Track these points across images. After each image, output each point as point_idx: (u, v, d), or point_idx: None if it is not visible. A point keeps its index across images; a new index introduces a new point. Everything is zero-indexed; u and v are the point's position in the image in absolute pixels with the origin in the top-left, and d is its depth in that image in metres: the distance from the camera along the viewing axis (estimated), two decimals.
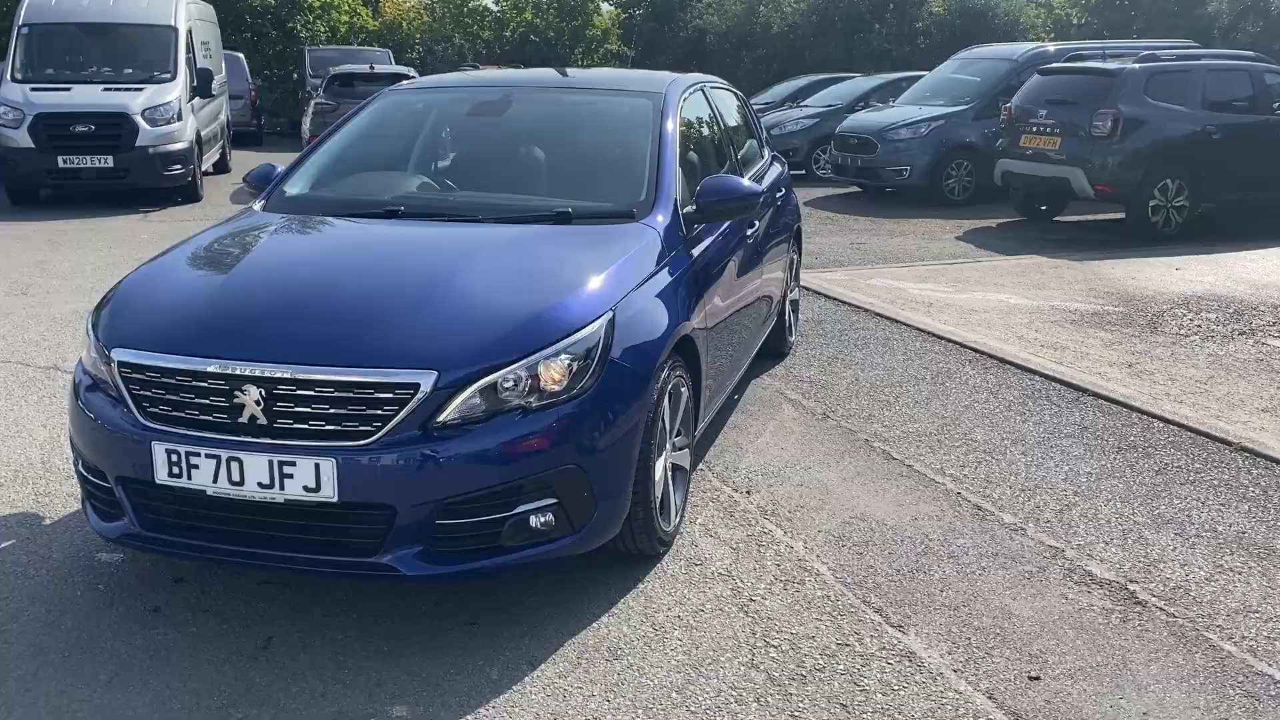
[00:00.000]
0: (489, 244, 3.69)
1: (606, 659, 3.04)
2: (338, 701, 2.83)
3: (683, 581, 3.50)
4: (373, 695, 2.86)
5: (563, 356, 3.10)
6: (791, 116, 16.55)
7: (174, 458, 3.02)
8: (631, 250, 3.65)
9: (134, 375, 3.13)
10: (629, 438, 3.24)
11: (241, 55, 22.23)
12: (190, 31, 14.08)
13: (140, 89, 12.75)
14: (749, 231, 4.76)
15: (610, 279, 3.42)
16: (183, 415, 3.06)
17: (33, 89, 12.55)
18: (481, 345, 3.05)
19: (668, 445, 3.64)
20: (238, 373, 2.99)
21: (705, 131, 4.93)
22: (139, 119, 12.35)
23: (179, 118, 12.81)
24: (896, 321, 7.11)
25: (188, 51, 13.73)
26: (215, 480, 2.99)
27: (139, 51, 13.35)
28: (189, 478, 3.02)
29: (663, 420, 3.50)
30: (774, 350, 6.11)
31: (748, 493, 4.25)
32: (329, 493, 2.93)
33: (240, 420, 2.99)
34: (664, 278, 3.66)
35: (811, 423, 5.09)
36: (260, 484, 2.96)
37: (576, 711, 2.80)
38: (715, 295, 4.19)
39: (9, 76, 12.87)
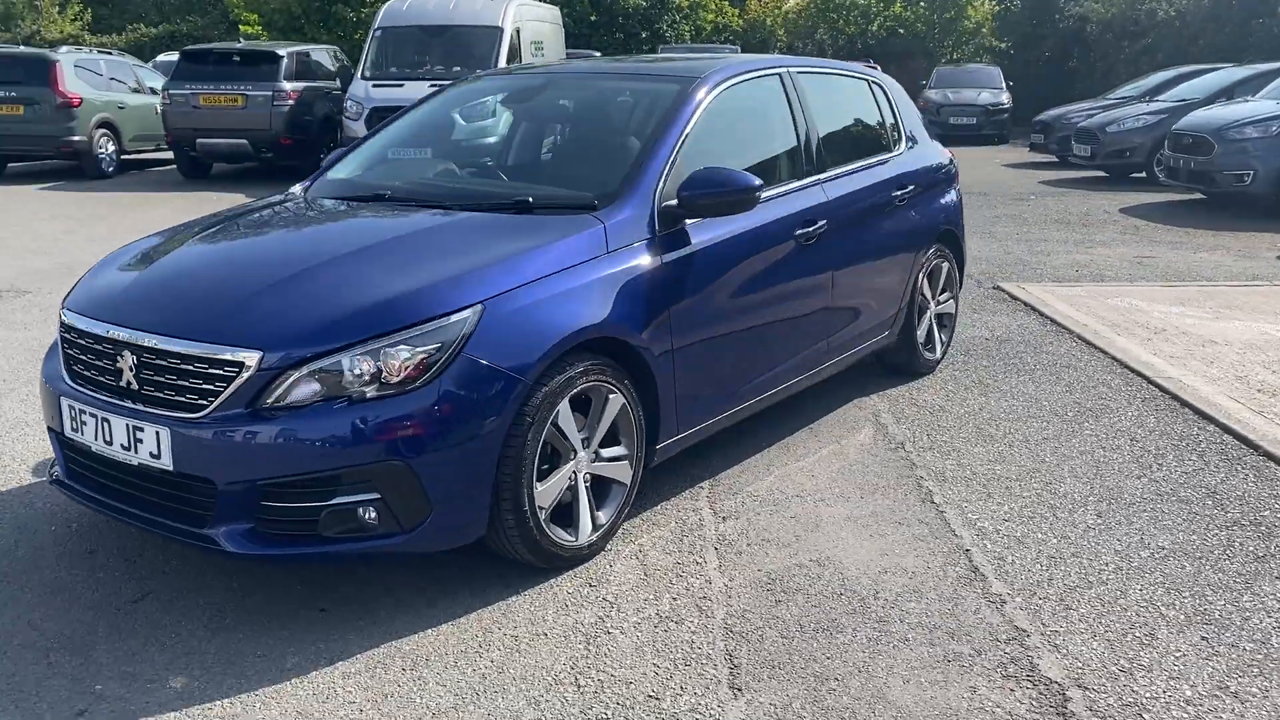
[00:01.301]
0: (415, 230, 3.63)
1: (403, 668, 2.90)
2: (136, 663, 2.93)
3: (555, 601, 3.25)
4: (172, 663, 2.92)
5: (402, 347, 2.99)
6: (1132, 113, 14.77)
7: (73, 413, 3.27)
8: (552, 243, 3.43)
9: (66, 335, 3.42)
10: (482, 441, 3.06)
11: (598, 54, 23.39)
12: (517, 32, 15.05)
13: None
14: (803, 231, 4.30)
15: (498, 271, 3.23)
16: (86, 375, 3.29)
17: (374, 85, 14.04)
18: (313, 329, 3.01)
19: (580, 454, 3.39)
20: (116, 338, 3.18)
21: (757, 121, 4.51)
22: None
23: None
24: (1094, 347, 6.14)
25: (511, 50, 14.69)
26: (96, 438, 3.20)
27: (469, 51, 14.49)
28: (81, 433, 3.25)
29: (558, 428, 3.27)
30: (904, 368, 5.50)
31: (724, 518, 3.86)
32: (167, 461, 3.03)
33: (119, 384, 3.17)
34: (586, 276, 3.40)
35: (877, 451, 4.52)
36: (122, 445, 3.13)
37: (328, 714, 2.69)
38: (709, 300, 3.84)
39: (359, 74, 14.50)
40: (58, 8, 30.98)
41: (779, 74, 4.61)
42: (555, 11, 18.14)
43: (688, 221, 3.81)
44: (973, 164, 17.74)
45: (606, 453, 3.52)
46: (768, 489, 4.12)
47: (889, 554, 3.57)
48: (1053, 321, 6.77)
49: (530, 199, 3.73)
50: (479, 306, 3.11)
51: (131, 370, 3.13)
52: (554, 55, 17.43)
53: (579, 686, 2.80)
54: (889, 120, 5.35)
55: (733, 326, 4.01)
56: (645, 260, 3.60)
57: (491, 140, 4.59)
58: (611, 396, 3.46)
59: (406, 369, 2.98)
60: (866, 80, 5.34)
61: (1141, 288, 7.93)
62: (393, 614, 3.17)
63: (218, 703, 2.74)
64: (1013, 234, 10.49)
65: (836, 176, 4.67)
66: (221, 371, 2.98)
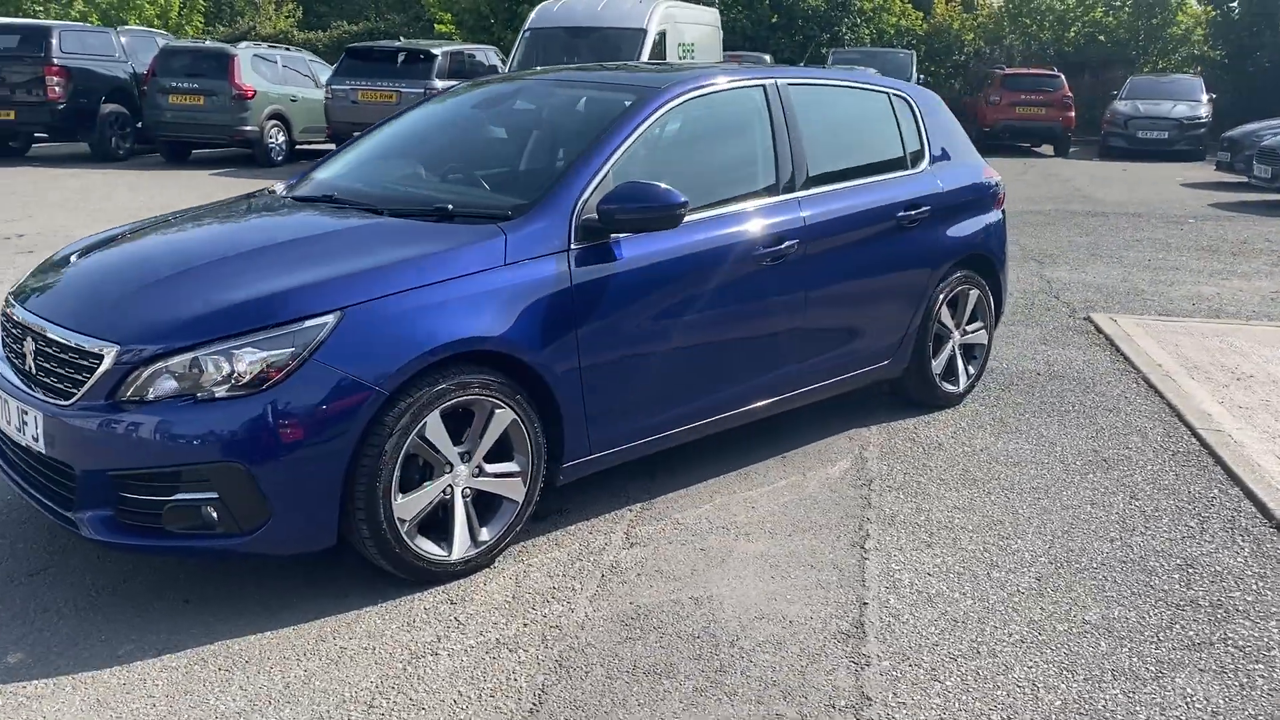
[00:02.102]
0: (319, 233, 3.67)
1: (220, 667, 2.93)
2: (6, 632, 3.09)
3: (404, 616, 3.22)
4: (23, 639, 3.06)
5: (249, 349, 3.02)
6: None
7: (1, 396, 3.48)
8: (440, 253, 3.39)
9: (4, 321, 3.64)
10: (328, 450, 3.05)
11: (768, 57, 23.13)
12: (663, 34, 15.08)
13: None
14: (767, 251, 4.10)
15: (368, 278, 3.22)
16: (10, 358, 3.50)
17: None
18: (169, 326, 3.08)
19: (459, 469, 3.35)
20: (26, 323, 3.36)
21: (722, 136, 4.33)
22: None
23: None
24: (1154, 390, 5.60)
25: (655, 52, 14.72)
26: (7, 421, 3.39)
27: (612, 52, 14.61)
28: (3, 415, 3.45)
29: (426, 441, 3.23)
30: (919, 400, 5.18)
31: (631, 545, 3.73)
32: (42, 445, 3.18)
33: (24, 368, 3.35)
34: (474, 287, 3.35)
35: (839, 487, 4.27)
36: (16, 427, 3.30)
37: (122, 706, 2.76)
38: (635, 319, 3.72)
39: (506, 73, 14.84)
40: (274, 5, 33.16)
41: (762, 86, 4.40)
42: (713, 14, 18.07)
43: (621, 237, 3.70)
44: (1146, 182, 16.57)
45: (494, 468, 3.46)
46: (697, 518, 3.95)
47: (778, 599, 3.36)
48: (1126, 359, 6.22)
49: (450, 206, 3.70)
50: (338, 313, 3.11)
51: (31, 356, 3.30)
52: (708, 58, 17.36)
53: (370, 707, 2.76)
54: (908, 137, 5.02)
55: (665, 347, 3.86)
56: (550, 274, 3.51)
57: (440, 150, 4.57)
58: (498, 411, 3.39)
59: (254, 372, 3.01)
60: (887, 94, 5.04)
61: (1255, 328, 7.18)
62: (246, 611, 3.22)
63: (33, 683, 2.85)
64: (1144, 260, 9.72)
65: (820, 195, 4.42)
66: (87, 363, 3.10)
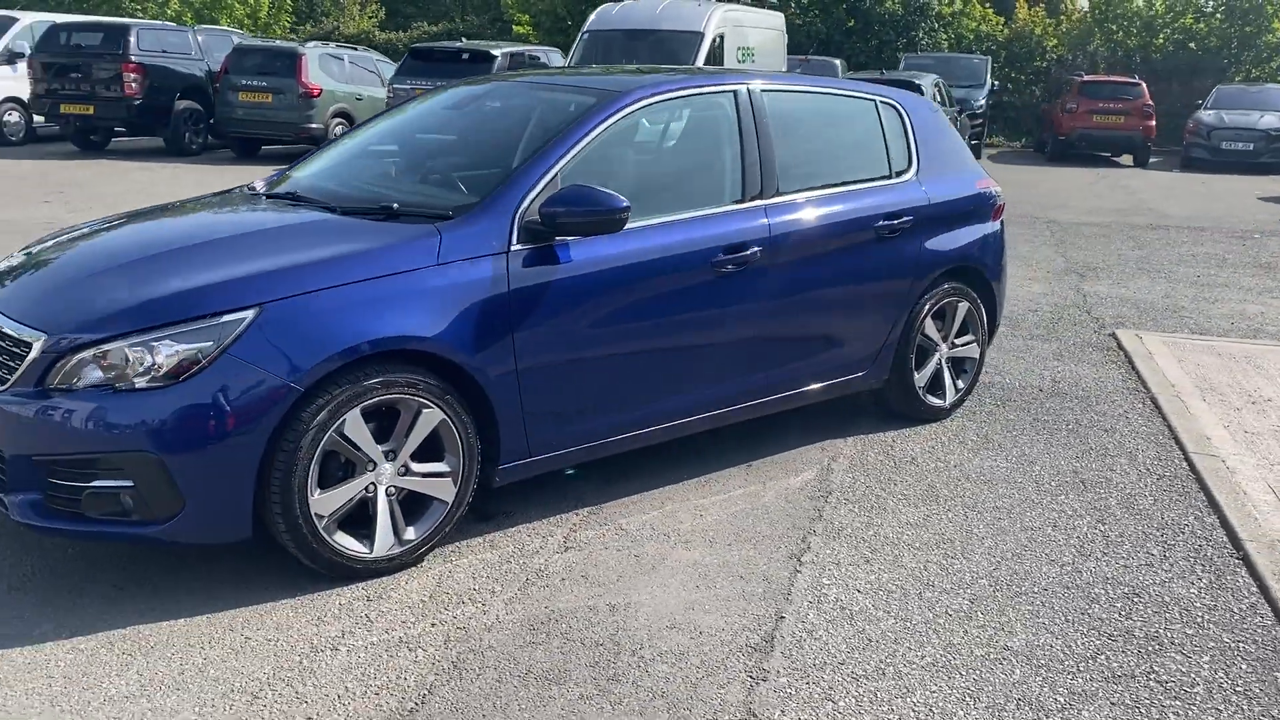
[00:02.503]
0: (262, 229, 3.75)
1: (126, 651, 3.00)
2: None
3: (317, 610, 3.25)
4: None
5: (167, 342, 3.09)
6: None
7: None
8: (368, 251, 3.42)
9: None
10: (240, 443, 3.10)
11: (838, 62, 22.87)
12: (721, 38, 15.01)
13: None
14: (726, 258, 4.05)
15: (290, 275, 3.27)
16: None
17: None
18: (95, 317, 3.17)
19: (383, 467, 3.38)
20: None
21: (683, 141, 4.29)
22: None
23: None
24: (1158, 411, 5.40)
25: (711, 55, 14.66)
26: None
27: (669, 55, 14.59)
28: None
29: (345, 438, 3.26)
30: (902, 412, 5.07)
31: (566, 549, 3.72)
32: None
33: None
34: (402, 286, 3.37)
35: (795, 499, 4.20)
36: None
37: (19, 684, 2.84)
38: (578, 323, 3.71)
39: None
40: (358, 5, 33.86)
41: (733, 93, 4.35)
42: (777, 18, 17.94)
43: (570, 241, 3.70)
44: (1222, 195, 15.99)
45: (421, 468, 3.48)
46: (641, 524, 3.92)
47: (696, 609, 3.32)
48: (1139, 377, 6.01)
49: (395, 205, 3.74)
50: (256, 309, 3.16)
51: None
52: (770, 62, 17.20)
53: (255, 698, 2.80)
54: (894, 146, 4.91)
55: (612, 352, 3.85)
56: (486, 276, 3.52)
57: (407, 149, 4.61)
58: (426, 411, 3.41)
59: (172, 364, 3.08)
60: (874, 102, 4.94)
61: None
62: (170, 598, 3.29)
63: None
64: (1194, 275, 9.37)
65: (790, 203, 4.36)
66: (19, 351, 3.20)
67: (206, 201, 4.38)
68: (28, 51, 16.66)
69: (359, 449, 3.33)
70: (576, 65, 14.97)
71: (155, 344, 3.09)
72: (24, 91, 16.47)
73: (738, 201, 4.24)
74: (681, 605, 3.34)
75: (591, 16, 15.79)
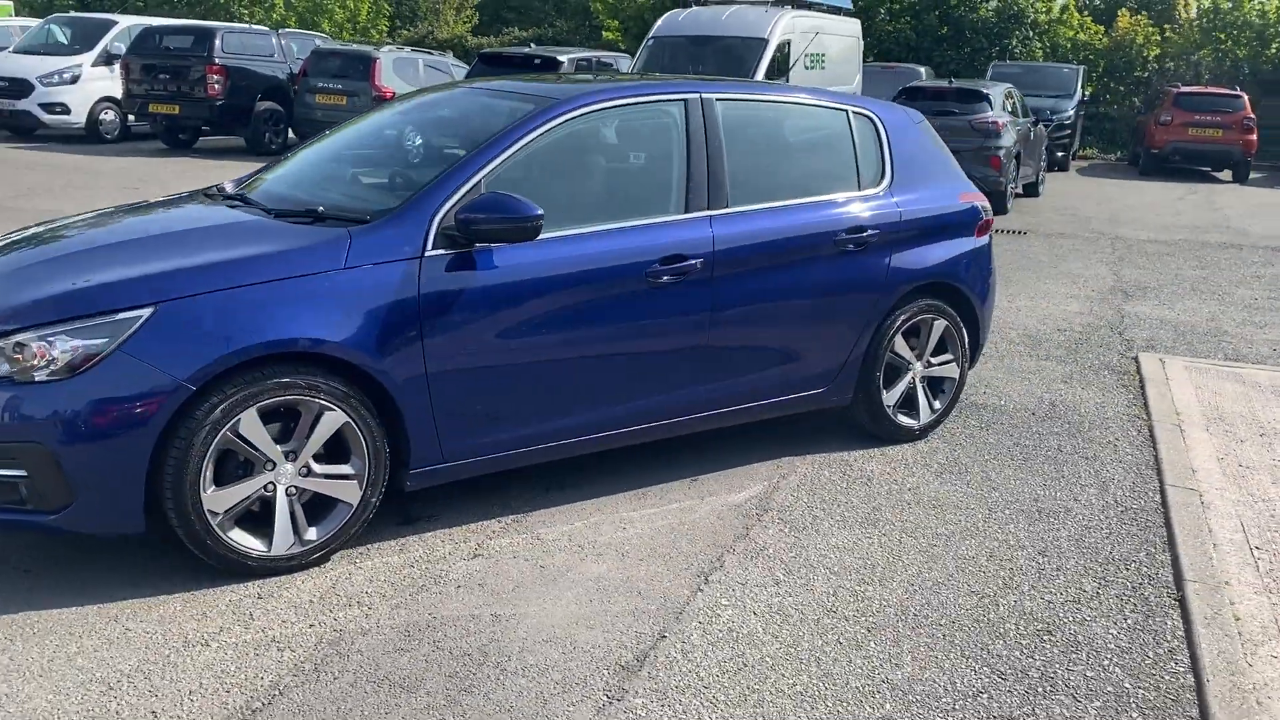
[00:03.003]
0: (186, 229, 3.85)
1: (6, 637, 3.09)
2: None
3: (204, 606, 3.30)
4: None
5: (63, 337, 3.18)
6: None
7: None
8: (273, 253, 3.47)
9: None
10: (132, 438, 3.17)
11: (923, 70, 22.38)
12: (787, 44, 14.85)
13: None
14: (662, 269, 4.00)
15: (190, 275, 3.33)
16: None
17: None
18: (4, 311, 3.27)
19: (282, 466, 3.42)
20: None
21: (624, 150, 4.24)
22: None
23: None
24: (1149, 437, 5.15)
25: (776, 63, 14.51)
26: None
27: (732, 63, 14.48)
28: None
29: (241, 437, 3.31)
30: (871, 432, 4.93)
31: (474, 556, 3.71)
32: None
33: None
34: (304, 289, 3.40)
35: (728, 516, 4.12)
36: None
37: None
38: (494, 330, 3.70)
39: None
40: (454, 10, 34.51)
41: (683, 101, 4.28)
42: (852, 25, 17.62)
43: (494, 248, 3.70)
44: None
45: (324, 469, 3.51)
46: (560, 535, 3.89)
47: (581, 623, 3.27)
48: (1145, 404, 5.74)
49: (320, 208, 3.78)
50: (153, 307, 3.23)
51: None
52: (842, 69, 16.92)
53: (110, 689, 2.86)
54: (865, 158, 4.78)
55: (533, 361, 3.82)
56: (394, 280, 3.54)
57: (360, 154, 4.65)
58: (328, 414, 3.44)
59: (68, 358, 3.16)
60: (846, 112, 4.81)
61: None
62: (71, 585, 3.38)
63: None
64: (1249, 298, 8.91)
65: (738, 214, 4.27)
66: None
67: (168, 201, 4.49)
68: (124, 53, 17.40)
69: (256, 448, 3.37)
70: (638, 71, 15.00)
71: (53, 338, 3.18)
72: (119, 91, 17.19)
73: (679, 212, 4.18)
74: (568, 619, 3.30)
75: (658, 23, 15.78)
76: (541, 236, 3.79)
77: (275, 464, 3.42)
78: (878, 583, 3.62)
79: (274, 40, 17.80)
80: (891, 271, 4.70)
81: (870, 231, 4.62)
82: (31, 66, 17.28)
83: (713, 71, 14.52)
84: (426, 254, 3.61)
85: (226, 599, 3.34)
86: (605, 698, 2.89)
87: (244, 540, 3.42)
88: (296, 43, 18.38)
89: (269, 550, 3.46)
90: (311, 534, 3.53)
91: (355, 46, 18.52)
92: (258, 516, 3.47)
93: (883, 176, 4.81)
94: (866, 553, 3.84)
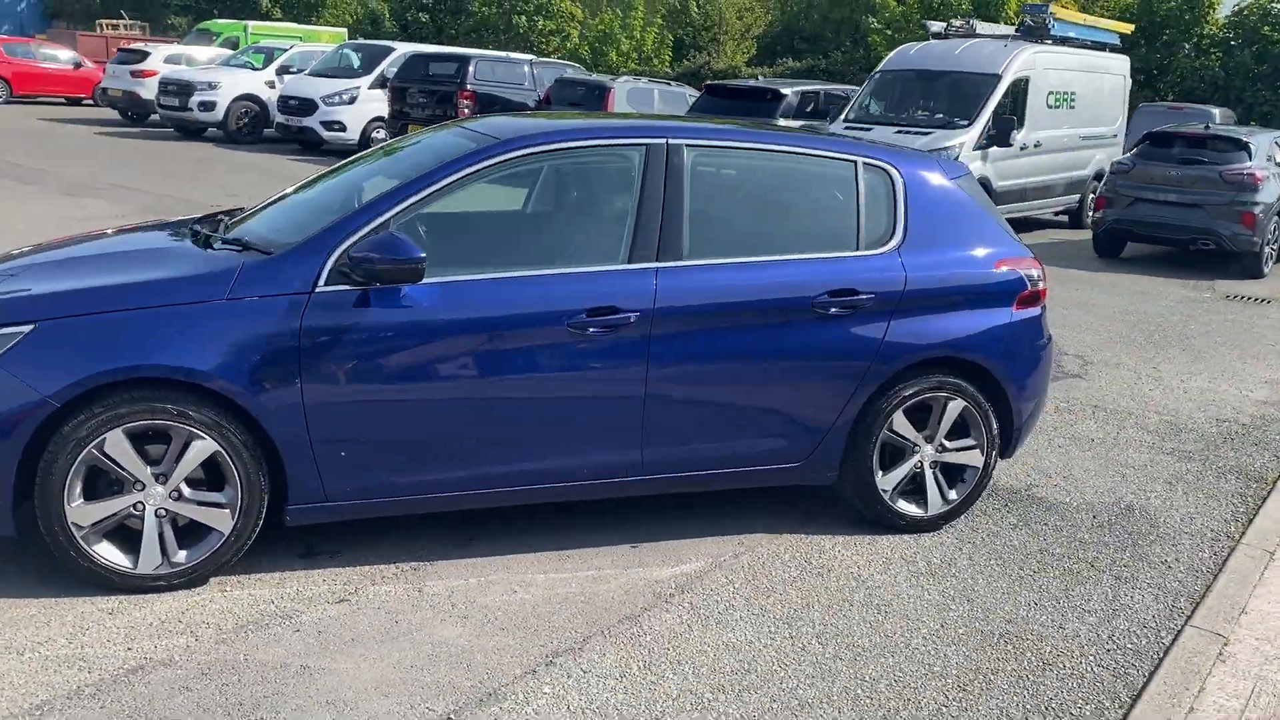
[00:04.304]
0: (117, 252, 4.03)
1: None
2: None
3: (50, 616, 3.41)
4: None
5: None
6: None
7: None
8: (165, 280, 3.58)
9: None
10: None
11: (1217, 112, 20.16)
12: (1025, 81, 13.85)
13: (927, 133, 13.18)
14: (588, 320, 3.76)
15: (71, 297, 3.50)
16: None
17: (845, 126, 13.93)
18: None
19: (152, 488, 3.50)
20: None
21: (565, 193, 4.01)
22: None
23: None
24: (1218, 563, 4.30)
25: (1010, 101, 13.56)
26: None
27: (956, 98, 13.70)
28: None
29: (106, 455, 3.42)
30: (868, 517, 4.43)
31: (339, 601, 3.63)
32: None
33: None
34: (183, 317, 3.47)
35: (636, 588, 3.81)
36: None
37: None
38: (385, 372, 3.64)
39: (843, 115, 14.47)
40: (734, 41, 34.89)
41: (644, 147, 4.01)
42: (1114, 60, 16.16)
43: (404, 288, 3.64)
44: None
45: (196, 495, 3.56)
46: (442, 590, 3.74)
47: (381, 690, 3.12)
48: (1248, 524, 4.80)
49: (246, 240, 3.85)
50: (32, 325, 3.40)
51: None
52: (1098, 110, 15.54)
53: None
54: (870, 215, 4.27)
55: (430, 406, 3.71)
56: (277, 314, 3.54)
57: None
58: (197, 441, 3.49)
59: None
60: (855, 163, 4.34)
61: None
62: None
63: None
64: None
65: (690, 268, 3.96)
66: None
67: (163, 224, 4.73)
68: None
69: (123, 468, 3.46)
70: (859, 105, 14.47)
71: None
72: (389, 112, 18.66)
73: (624, 262, 3.93)
74: (371, 683, 3.16)
75: (890, 55, 15.16)
76: (453, 279, 3.70)
77: (145, 485, 3.50)
78: (735, 693, 3.21)
79: (527, 69, 18.67)
80: (890, 341, 4.20)
81: (864, 295, 4.15)
82: (318, 88, 19.09)
83: (939, 107, 13.77)
84: (318, 290, 3.58)
85: (79, 610, 3.45)
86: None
87: (110, 555, 3.52)
88: (548, 71, 19.17)
89: (134, 568, 3.54)
90: (181, 556, 3.59)
91: (595, 77, 19.07)
92: (133, 534, 3.56)
93: (891, 236, 4.30)
94: (752, 656, 3.43)
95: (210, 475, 3.58)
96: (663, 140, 4.06)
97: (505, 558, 4.00)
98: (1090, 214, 14.38)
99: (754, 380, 4.08)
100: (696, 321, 3.96)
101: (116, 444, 3.43)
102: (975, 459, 4.47)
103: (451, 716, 3.01)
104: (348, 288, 3.61)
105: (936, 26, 15.86)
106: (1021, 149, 13.84)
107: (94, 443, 3.40)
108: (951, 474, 4.49)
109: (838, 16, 34.01)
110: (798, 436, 4.20)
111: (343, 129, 18.89)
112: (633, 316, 3.84)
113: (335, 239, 3.65)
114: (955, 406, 4.37)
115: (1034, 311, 4.54)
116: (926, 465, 4.41)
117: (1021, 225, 13.47)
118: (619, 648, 3.43)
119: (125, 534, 3.57)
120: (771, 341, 4.07)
